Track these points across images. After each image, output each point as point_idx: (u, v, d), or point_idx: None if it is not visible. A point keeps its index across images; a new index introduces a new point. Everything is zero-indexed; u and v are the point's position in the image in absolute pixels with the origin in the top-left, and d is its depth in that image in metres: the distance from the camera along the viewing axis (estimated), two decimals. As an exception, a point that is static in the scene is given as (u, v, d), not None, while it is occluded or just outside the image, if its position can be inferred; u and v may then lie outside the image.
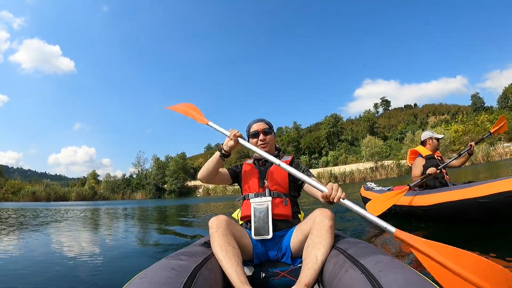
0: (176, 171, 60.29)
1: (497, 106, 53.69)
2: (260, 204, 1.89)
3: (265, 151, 2.01)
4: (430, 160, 4.41)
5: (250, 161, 2.27)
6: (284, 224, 1.93)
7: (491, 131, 4.51)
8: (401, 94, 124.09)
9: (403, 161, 35.35)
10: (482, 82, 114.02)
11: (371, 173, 38.53)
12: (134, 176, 70.20)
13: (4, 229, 6.92)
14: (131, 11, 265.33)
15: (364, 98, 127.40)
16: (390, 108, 73.05)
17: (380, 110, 73.85)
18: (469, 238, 3.40)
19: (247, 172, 2.16)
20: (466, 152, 4.50)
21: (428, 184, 4.38)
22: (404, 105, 74.16)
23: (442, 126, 50.09)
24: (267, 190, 1.99)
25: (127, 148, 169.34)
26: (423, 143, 4.72)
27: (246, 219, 2.00)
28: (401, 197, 4.17)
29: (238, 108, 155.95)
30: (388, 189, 5.23)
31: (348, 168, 44.57)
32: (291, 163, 2.10)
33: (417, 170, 4.43)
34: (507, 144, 37.97)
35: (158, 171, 62.72)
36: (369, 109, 66.88)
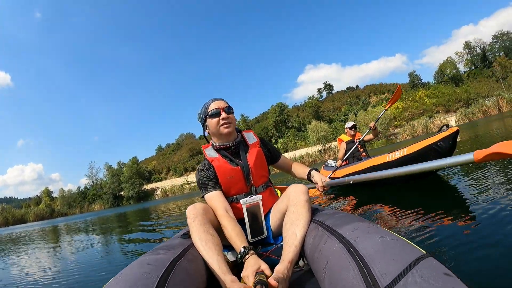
0: (131, 176, 59.79)
1: (433, 81, 56.52)
2: (252, 204, 1.73)
3: (228, 131, 1.83)
4: (349, 144, 6.06)
5: (213, 153, 1.90)
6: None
7: (386, 107, 6.04)
8: (344, 77, 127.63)
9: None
10: (420, 58, 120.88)
11: (320, 155, 39.59)
12: (89, 187, 68.36)
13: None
14: (66, 17, 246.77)
15: (308, 83, 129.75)
16: (333, 92, 74.73)
17: (324, 94, 75.51)
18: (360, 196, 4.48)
19: (223, 171, 1.81)
20: (370, 131, 5.90)
21: (348, 161, 5.91)
22: (347, 88, 76.30)
23: (383, 104, 51.83)
24: (253, 187, 1.84)
25: (75, 159, 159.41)
26: (345, 131, 6.32)
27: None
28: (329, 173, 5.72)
29: (183, 105, 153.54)
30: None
31: (298, 153, 45.84)
32: (262, 143, 2.01)
33: (341, 152, 6.15)
34: (445, 116, 40.01)
35: (113, 179, 61.87)
36: (313, 95, 68.01)
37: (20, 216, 57.76)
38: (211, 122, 1.83)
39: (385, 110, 6.10)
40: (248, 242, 1.64)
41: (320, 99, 70.73)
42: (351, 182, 1.67)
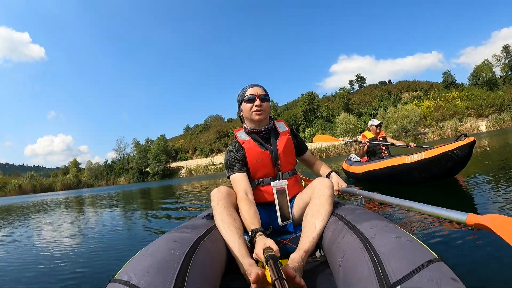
0: (158, 153, 61.49)
1: (468, 83, 55.35)
2: (279, 188, 1.78)
3: (259, 119, 1.89)
4: (372, 141, 6.27)
5: (244, 135, 1.97)
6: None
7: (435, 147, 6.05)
8: (377, 70, 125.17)
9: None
10: (457, 58, 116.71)
11: (346, 148, 39.82)
12: (116, 161, 70.79)
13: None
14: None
15: (340, 74, 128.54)
16: (365, 85, 73.98)
17: (356, 86, 74.87)
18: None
19: (252, 154, 1.88)
20: (404, 146, 6.17)
21: (370, 157, 6.31)
22: (379, 82, 75.11)
23: (414, 102, 51.47)
24: (279, 172, 1.89)
25: (103, 133, 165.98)
26: (368, 129, 6.59)
27: (262, 206, 1.88)
28: (350, 166, 6.44)
29: (212, 87, 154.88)
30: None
31: (324, 144, 45.72)
32: (292, 133, 2.07)
33: (363, 148, 6.39)
34: (476, 120, 39.54)
35: (140, 155, 63.87)
36: (344, 86, 67.64)
37: (48, 184, 61.17)
38: (245, 106, 1.90)
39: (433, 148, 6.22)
40: (278, 226, 1.77)
41: (351, 91, 70.36)
42: (363, 199, 1.69)
